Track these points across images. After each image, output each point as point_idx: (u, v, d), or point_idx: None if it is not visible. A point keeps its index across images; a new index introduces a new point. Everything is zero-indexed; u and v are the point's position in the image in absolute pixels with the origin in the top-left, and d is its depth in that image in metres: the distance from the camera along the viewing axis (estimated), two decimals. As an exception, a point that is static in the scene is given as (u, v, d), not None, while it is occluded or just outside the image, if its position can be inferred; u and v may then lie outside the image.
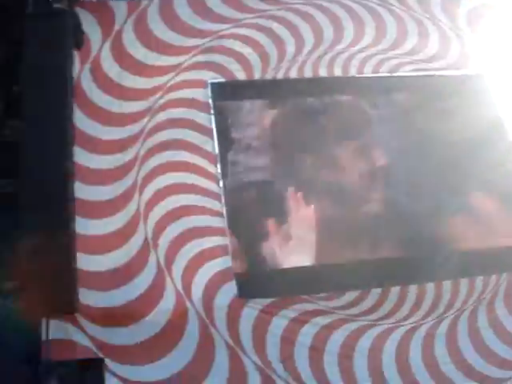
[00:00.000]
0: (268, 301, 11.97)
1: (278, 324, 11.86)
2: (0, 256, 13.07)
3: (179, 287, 12.04)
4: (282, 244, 12.71)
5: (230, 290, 12.03)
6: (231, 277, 12.15)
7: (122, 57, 14.14)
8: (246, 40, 14.77)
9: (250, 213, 13.10)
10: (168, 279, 12.05)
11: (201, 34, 14.64)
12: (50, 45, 12.93)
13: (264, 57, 14.57)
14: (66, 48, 13.08)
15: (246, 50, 14.59)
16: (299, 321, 11.96)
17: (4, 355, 13.17)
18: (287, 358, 11.57)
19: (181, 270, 12.11)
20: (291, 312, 11.98)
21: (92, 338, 11.61)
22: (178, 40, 14.54)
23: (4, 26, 14.78)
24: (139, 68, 13.98)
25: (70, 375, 11.73)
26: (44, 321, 11.50)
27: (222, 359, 11.51)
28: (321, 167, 13.68)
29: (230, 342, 11.74)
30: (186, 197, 12.75)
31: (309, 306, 12.08)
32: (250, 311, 11.89)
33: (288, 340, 11.78)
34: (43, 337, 11.57)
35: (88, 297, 11.72)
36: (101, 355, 11.58)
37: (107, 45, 14.28)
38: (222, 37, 14.67)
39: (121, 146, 13.03)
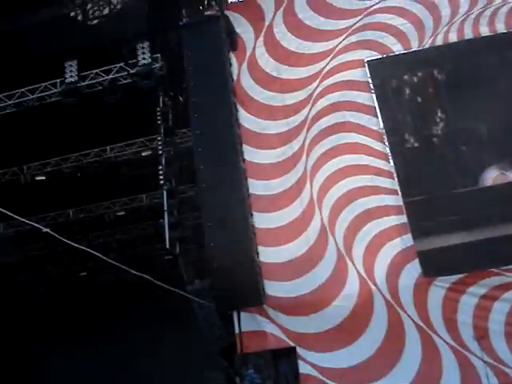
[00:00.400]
0: (454, 278, 11.59)
1: (468, 302, 11.47)
2: (191, 257, 13.85)
3: (361, 271, 11.96)
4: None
5: (413, 269, 11.76)
6: (414, 256, 11.87)
7: (276, 51, 14.40)
8: (397, 11, 14.28)
9: (423, 186, 12.69)
10: (349, 264, 12.04)
11: (350, 14, 14.46)
12: (208, 51, 13.49)
13: (419, 25, 14.00)
14: (223, 52, 13.57)
15: (399, 22, 14.10)
16: (490, 297, 11.48)
17: (202, 350, 13.95)
18: (482, 337, 11.13)
19: (361, 253, 12.03)
20: (480, 288, 11.51)
21: (282, 328, 11.98)
22: (329, 24, 14.45)
23: (162, 40, 15.63)
24: (294, 58, 14.13)
25: (265, 365, 12.22)
26: (235, 314, 12.14)
27: (413, 341, 11.42)
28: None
29: (420, 322, 11.58)
30: (357, 178, 12.58)
31: (497, 280, 11.55)
32: (437, 290, 11.56)
33: (480, 318, 11.36)
34: (236, 329, 12.19)
35: (273, 288, 12.07)
36: (292, 344, 11.98)
37: (260, 41, 14.60)
38: (371, 13, 14.37)
39: (286, 138, 13.26)
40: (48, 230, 9.01)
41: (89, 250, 9.66)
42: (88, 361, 22.20)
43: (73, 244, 9.63)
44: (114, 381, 21.63)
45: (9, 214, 7.68)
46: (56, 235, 8.67)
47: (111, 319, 22.79)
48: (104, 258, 10.19)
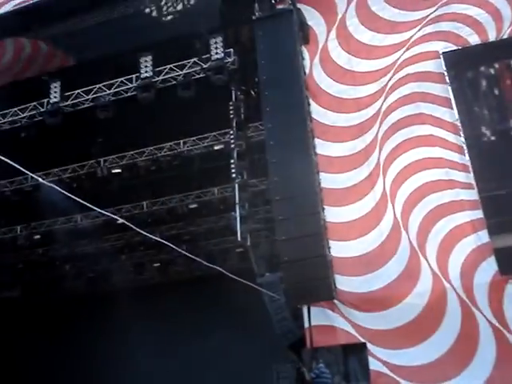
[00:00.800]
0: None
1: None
2: (262, 250, 13.90)
3: (435, 267, 11.74)
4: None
5: (489, 267, 11.44)
6: (490, 253, 11.56)
7: (348, 43, 14.29)
8: (473, 1, 13.86)
9: (501, 181, 12.27)
10: (422, 260, 11.86)
11: (425, 4, 14.16)
12: (280, 45, 13.47)
13: (496, 15, 13.58)
14: (296, 45, 13.51)
15: (476, 12, 13.71)
16: None
17: (272, 343, 13.99)
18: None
19: (435, 249, 11.82)
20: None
21: (352, 324, 11.90)
22: (403, 16, 14.21)
23: (234, 34, 15.71)
24: (367, 51, 14.00)
25: (334, 360, 12.16)
26: (305, 308, 12.13)
27: (487, 340, 11.12)
28: None
29: (495, 321, 11.27)
30: (431, 172, 12.35)
31: None
32: (515, 288, 11.30)
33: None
34: (306, 324, 12.19)
35: (344, 283, 12.01)
36: (362, 340, 11.89)
37: (333, 34, 14.51)
38: (446, 3, 14.03)
39: (359, 131, 13.14)
40: (123, 220, 9.24)
41: (162, 241, 9.83)
42: (159, 348, 22.71)
43: (147, 235, 9.84)
44: (189, 370, 22.06)
45: (87, 204, 7.93)
46: (131, 226, 8.88)
47: (182, 310, 23.23)
48: (177, 249, 10.35)
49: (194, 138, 17.67)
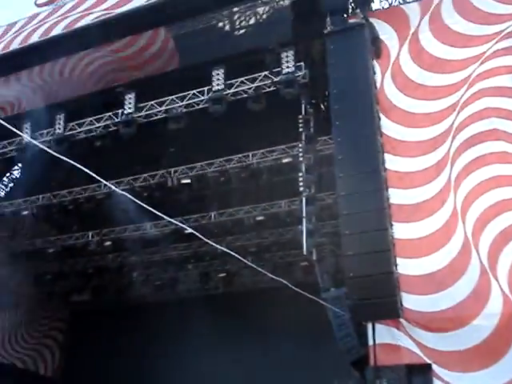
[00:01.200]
0: None
1: None
2: (327, 265, 13.81)
3: (505, 289, 11.25)
4: None
5: None
6: None
7: (421, 57, 14.04)
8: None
9: None
10: (493, 280, 11.40)
11: (500, 19, 13.73)
12: (352, 59, 13.43)
13: None
14: (367, 59, 13.44)
15: (550, 26, 13.35)
16: None
17: (335, 358, 13.84)
18: None
19: (506, 270, 11.34)
20: None
21: (418, 343, 11.59)
22: (478, 30, 13.86)
23: (305, 48, 15.77)
24: (440, 65, 13.71)
25: (398, 380, 11.91)
26: (370, 325, 11.95)
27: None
28: None
29: None
30: (505, 190, 11.88)
31: None
32: None
33: None
34: (370, 341, 12.00)
35: (411, 301, 11.72)
36: (428, 360, 11.58)
37: (405, 48, 14.31)
38: (522, 17, 13.74)
39: (430, 146, 12.84)
40: (192, 230, 9.40)
41: (229, 251, 9.94)
42: (221, 362, 22.83)
43: (214, 245, 9.96)
44: (251, 381, 22.09)
45: (156, 213, 8.12)
46: (199, 235, 9.01)
47: (245, 321, 23.30)
48: (243, 260, 10.44)
49: (263, 151, 17.79)
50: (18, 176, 24.74)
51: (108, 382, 24.06)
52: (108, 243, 22.01)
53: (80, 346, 26.35)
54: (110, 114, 17.36)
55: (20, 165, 23.49)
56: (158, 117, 16.89)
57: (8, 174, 24.55)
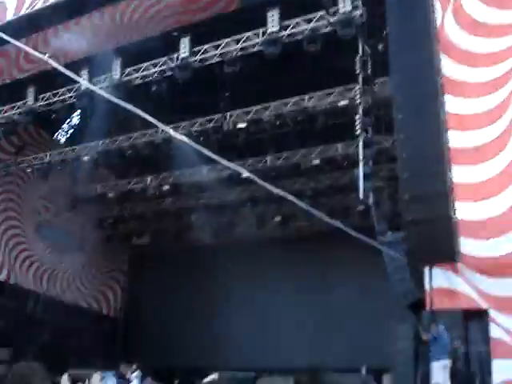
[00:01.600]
0: None
1: None
2: (384, 209, 13.69)
3: None
4: None
5: None
6: None
7: (484, -7, 13.41)
8: None
9: None
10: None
11: None
12: (411, -4, 12.94)
13: None
14: (427, -4, 12.90)
15: None
16: None
17: (391, 302, 13.88)
18: None
19: None
20: None
21: (476, 288, 11.43)
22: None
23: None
24: (503, 1, 13.03)
25: (454, 324, 11.86)
26: (427, 269, 11.86)
27: None
28: None
29: None
30: None
31: None
32: None
33: None
34: (426, 285, 11.93)
35: (470, 246, 11.49)
36: (485, 306, 11.46)
37: (467, -16, 13.66)
38: None
39: (492, 87, 12.27)
40: (249, 174, 9.41)
41: (285, 194, 9.93)
42: (274, 303, 23.23)
43: (271, 188, 9.97)
44: (304, 324, 22.46)
45: (214, 157, 8.15)
46: (256, 179, 9.03)
47: (301, 265, 23.55)
48: (299, 203, 10.42)
49: (320, 93, 17.53)
50: (77, 122, 25.27)
51: (167, 321, 24.95)
52: (166, 187, 22.45)
53: (140, 287, 27.30)
54: (166, 58, 17.37)
55: (79, 111, 23.94)
56: (213, 60, 16.80)
57: (68, 121, 25.10)
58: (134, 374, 13.17)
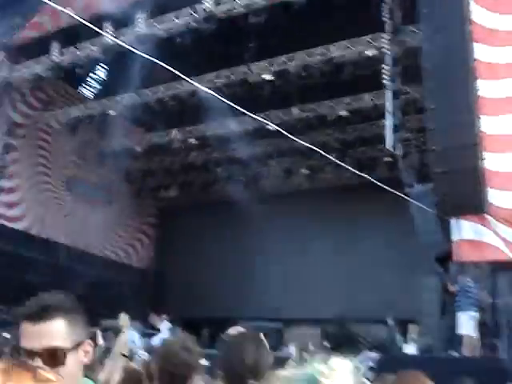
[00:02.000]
0: None
1: None
2: (412, 160, 13.54)
3: None
4: None
5: None
6: None
7: None
8: None
9: None
10: None
11: None
12: None
13: None
14: None
15: None
16: None
17: (418, 254, 13.89)
18: None
19: None
20: None
21: (504, 240, 11.28)
22: None
23: None
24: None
25: (481, 276, 11.83)
26: (455, 221, 11.77)
27: None
28: None
29: None
30: None
31: None
32: None
33: None
34: (454, 237, 11.86)
35: (499, 198, 11.32)
36: (513, 257, 11.40)
37: None
38: None
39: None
40: (275, 126, 9.36)
41: (312, 147, 9.88)
42: (303, 257, 23.41)
43: (297, 141, 9.93)
44: (331, 275, 22.63)
45: (240, 109, 8.10)
46: (283, 131, 8.98)
47: (329, 218, 23.59)
48: (327, 155, 10.38)
49: (346, 43, 17.18)
50: (103, 77, 25.25)
51: (196, 273, 25.33)
52: (192, 140, 22.47)
53: (169, 240, 27.67)
54: (190, 10, 17.16)
55: (104, 65, 23.89)
56: (238, 11, 16.54)
57: (93, 75, 25.08)
58: (164, 324, 13.43)
